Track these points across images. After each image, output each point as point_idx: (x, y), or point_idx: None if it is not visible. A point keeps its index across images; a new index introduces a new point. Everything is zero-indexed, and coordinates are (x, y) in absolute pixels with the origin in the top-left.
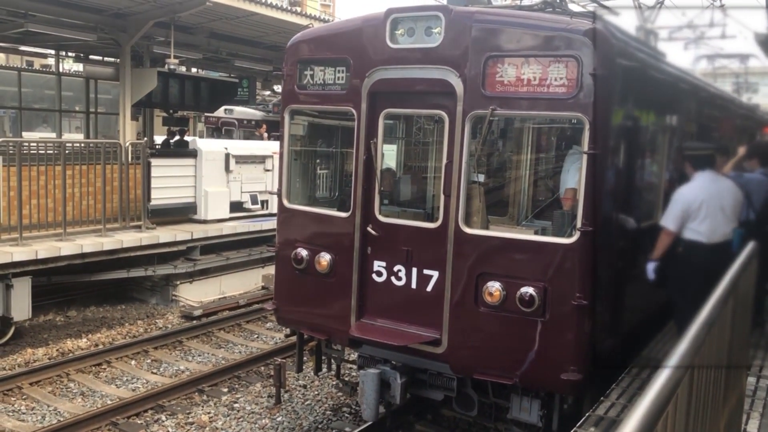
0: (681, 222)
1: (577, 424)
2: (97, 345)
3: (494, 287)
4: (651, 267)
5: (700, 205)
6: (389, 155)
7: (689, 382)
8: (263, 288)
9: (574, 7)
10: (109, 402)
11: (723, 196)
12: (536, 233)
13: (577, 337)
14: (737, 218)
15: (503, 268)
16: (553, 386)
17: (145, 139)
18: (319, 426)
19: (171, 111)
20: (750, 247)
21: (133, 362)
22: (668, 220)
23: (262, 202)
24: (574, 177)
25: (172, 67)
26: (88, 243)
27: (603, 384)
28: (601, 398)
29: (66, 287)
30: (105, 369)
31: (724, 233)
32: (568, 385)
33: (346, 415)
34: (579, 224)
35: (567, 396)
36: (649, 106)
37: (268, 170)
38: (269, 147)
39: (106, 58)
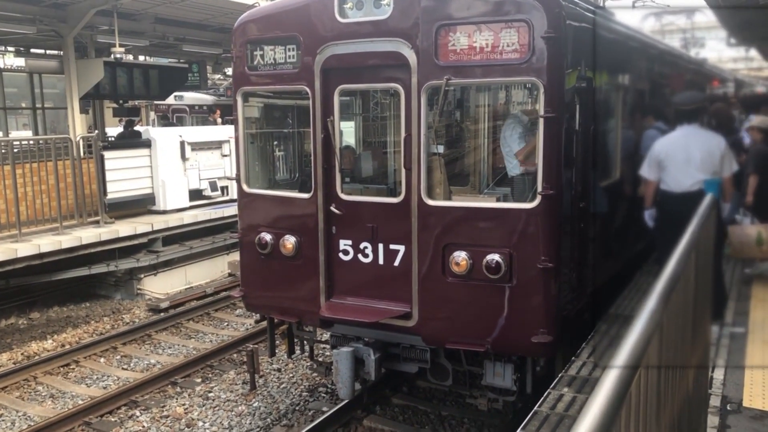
0: (655, 171)
1: (551, 386)
2: (63, 345)
3: (460, 257)
4: (647, 214)
5: (666, 156)
6: (348, 132)
7: (659, 338)
8: (230, 275)
9: None
10: (80, 402)
11: (689, 148)
12: (498, 200)
13: (544, 299)
14: (709, 169)
15: (468, 238)
16: (525, 350)
17: (96, 132)
18: (297, 408)
19: (121, 101)
20: (708, 199)
21: (102, 360)
22: (643, 170)
23: (222, 188)
24: (519, 141)
25: (118, 56)
26: (45, 242)
27: (573, 344)
28: (573, 358)
29: (26, 289)
30: (74, 369)
31: (691, 183)
32: (539, 348)
33: (323, 394)
34: (540, 188)
35: (539, 358)
36: (602, 66)
37: (225, 155)
38: (225, 132)
39: (48, 51)
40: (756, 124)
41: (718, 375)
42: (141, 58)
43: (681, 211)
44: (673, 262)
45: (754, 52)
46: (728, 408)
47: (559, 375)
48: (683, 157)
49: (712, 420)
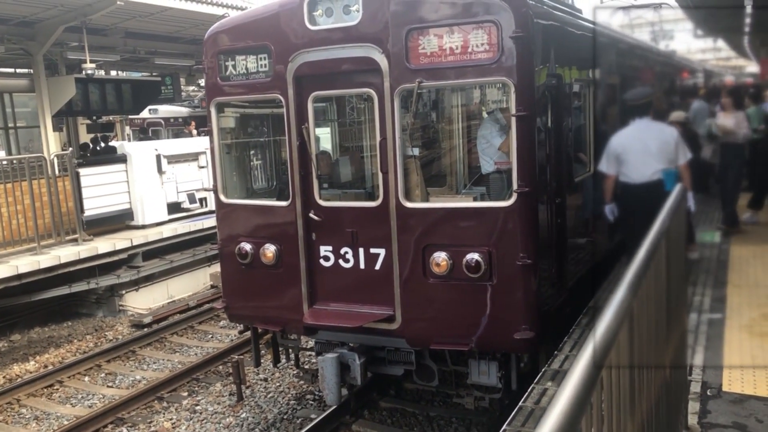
0: (614, 165)
1: (535, 380)
2: (46, 366)
3: (441, 257)
4: (607, 209)
5: (624, 149)
6: (324, 138)
7: (629, 326)
8: (212, 287)
9: None
10: (65, 423)
11: (646, 139)
12: (475, 200)
13: (525, 296)
14: (665, 158)
15: (447, 238)
16: (508, 347)
17: (71, 149)
18: (285, 417)
19: (94, 117)
20: (678, 188)
21: (86, 378)
22: (601, 165)
23: (200, 200)
24: (500, 135)
25: (89, 72)
26: (23, 263)
27: (556, 338)
28: (555, 352)
29: (6, 311)
30: (57, 389)
31: (651, 173)
32: (522, 344)
33: (310, 402)
34: (515, 186)
35: (522, 354)
36: (571, 63)
37: (202, 167)
38: (201, 143)
39: (18, 70)
40: (674, 118)
41: (698, 361)
42: (113, 72)
43: (643, 200)
44: (642, 251)
45: (721, 43)
46: (708, 393)
47: (543, 370)
48: (641, 148)
49: (693, 406)
